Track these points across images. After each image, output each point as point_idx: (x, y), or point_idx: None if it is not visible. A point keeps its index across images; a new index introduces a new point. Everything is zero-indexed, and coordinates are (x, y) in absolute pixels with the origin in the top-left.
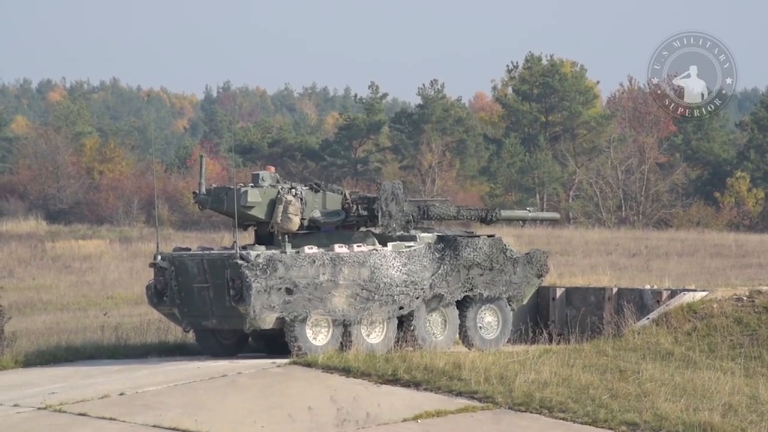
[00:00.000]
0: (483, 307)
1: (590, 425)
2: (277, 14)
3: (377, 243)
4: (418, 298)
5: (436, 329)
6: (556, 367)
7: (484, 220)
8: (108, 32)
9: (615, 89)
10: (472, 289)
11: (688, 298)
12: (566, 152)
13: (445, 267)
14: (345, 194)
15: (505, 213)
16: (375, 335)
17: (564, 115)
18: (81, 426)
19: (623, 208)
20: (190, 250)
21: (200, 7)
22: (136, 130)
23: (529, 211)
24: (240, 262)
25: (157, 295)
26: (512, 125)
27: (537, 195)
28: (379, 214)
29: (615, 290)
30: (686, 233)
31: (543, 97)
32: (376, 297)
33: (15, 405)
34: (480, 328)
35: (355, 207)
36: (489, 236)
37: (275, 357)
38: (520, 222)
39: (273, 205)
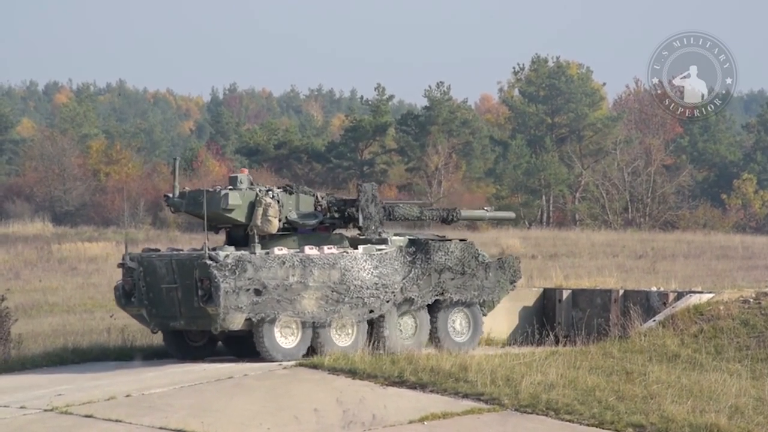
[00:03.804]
0: (454, 311)
1: (597, 427)
2: (283, 16)
3: (349, 245)
4: (388, 301)
5: (407, 332)
6: (563, 369)
7: (445, 221)
8: (114, 34)
9: (621, 91)
10: (443, 293)
11: (694, 300)
12: (572, 154)
13: (417, 270)
14: (317, 196)
15: (464, 213)
16: (345, 338)
17: (570, 116)
18: (87, 428)
19: (629, 209)
20: (159, 251)
21: (206, 9)
22: (142, 132)
23: (486, 210)
24: (209, 262)
25: (125, 296)
26: (518, 127)
27: (543, 197)
28: (360, 215)
29: (621, 292)
30: (692, 235)
31: (549, 99)
32: (346, 299)
33: (21, 407)
34: (451, 331)
35: (327, 209)
36: (461, 240)
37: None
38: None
39: (252, 207)
